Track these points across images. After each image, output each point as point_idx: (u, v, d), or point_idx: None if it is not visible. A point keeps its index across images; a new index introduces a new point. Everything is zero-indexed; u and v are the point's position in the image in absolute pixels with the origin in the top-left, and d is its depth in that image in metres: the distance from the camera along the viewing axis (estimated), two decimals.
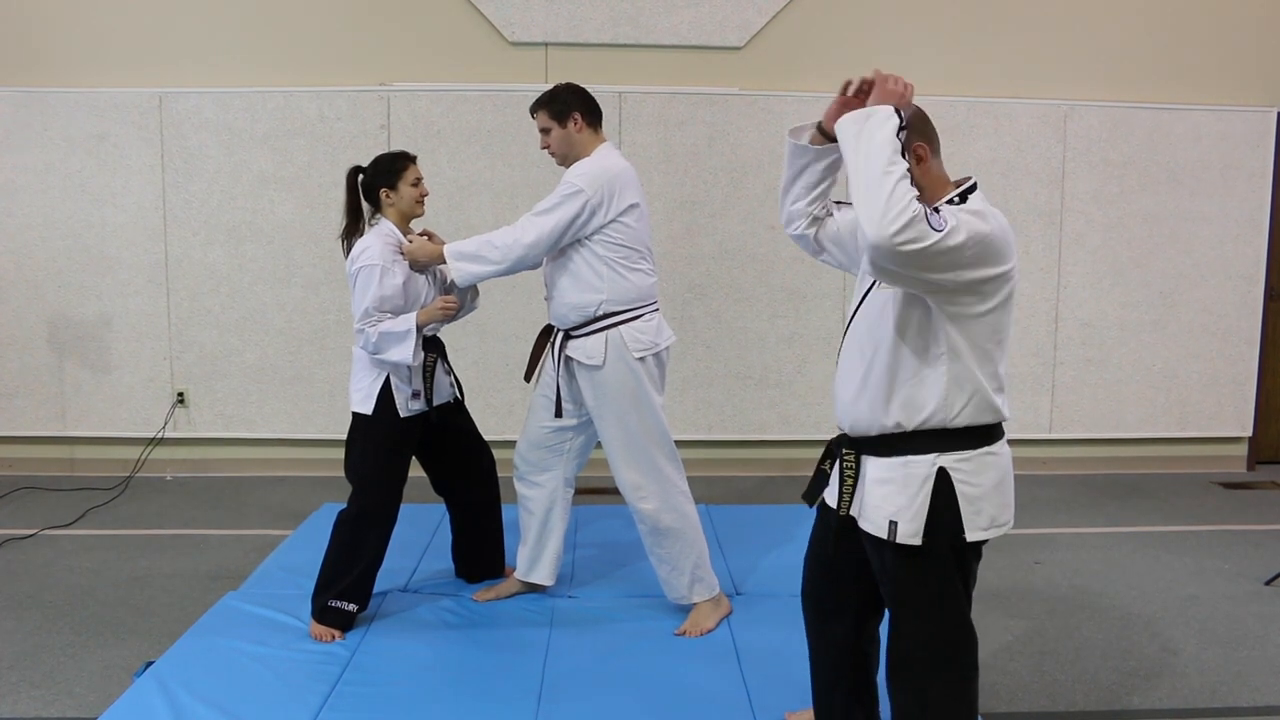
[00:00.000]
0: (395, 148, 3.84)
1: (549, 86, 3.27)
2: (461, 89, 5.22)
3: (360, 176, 3.31)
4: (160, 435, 5.34)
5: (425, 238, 3.27)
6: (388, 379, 3.22)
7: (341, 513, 3.27)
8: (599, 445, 3.37)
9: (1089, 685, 3.11)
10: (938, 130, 2.10)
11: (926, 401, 2.03)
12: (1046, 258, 5.45)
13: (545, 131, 3.23)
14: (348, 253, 3.27)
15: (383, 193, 3.27)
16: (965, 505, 2.04)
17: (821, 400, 5.43)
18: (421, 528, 4.05)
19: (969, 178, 2.09)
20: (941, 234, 1.84)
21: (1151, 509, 4.98)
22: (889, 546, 2.07)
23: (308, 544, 3.84)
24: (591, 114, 3.22)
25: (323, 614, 3.20)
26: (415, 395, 3.28)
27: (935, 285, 1.93)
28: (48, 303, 5.28)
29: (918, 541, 2.04)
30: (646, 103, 5.25)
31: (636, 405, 3.20)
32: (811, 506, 2.32)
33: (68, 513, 4.72)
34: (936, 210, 1.90)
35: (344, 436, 3.34)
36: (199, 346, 5.32)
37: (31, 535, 4.40)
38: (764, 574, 3.74)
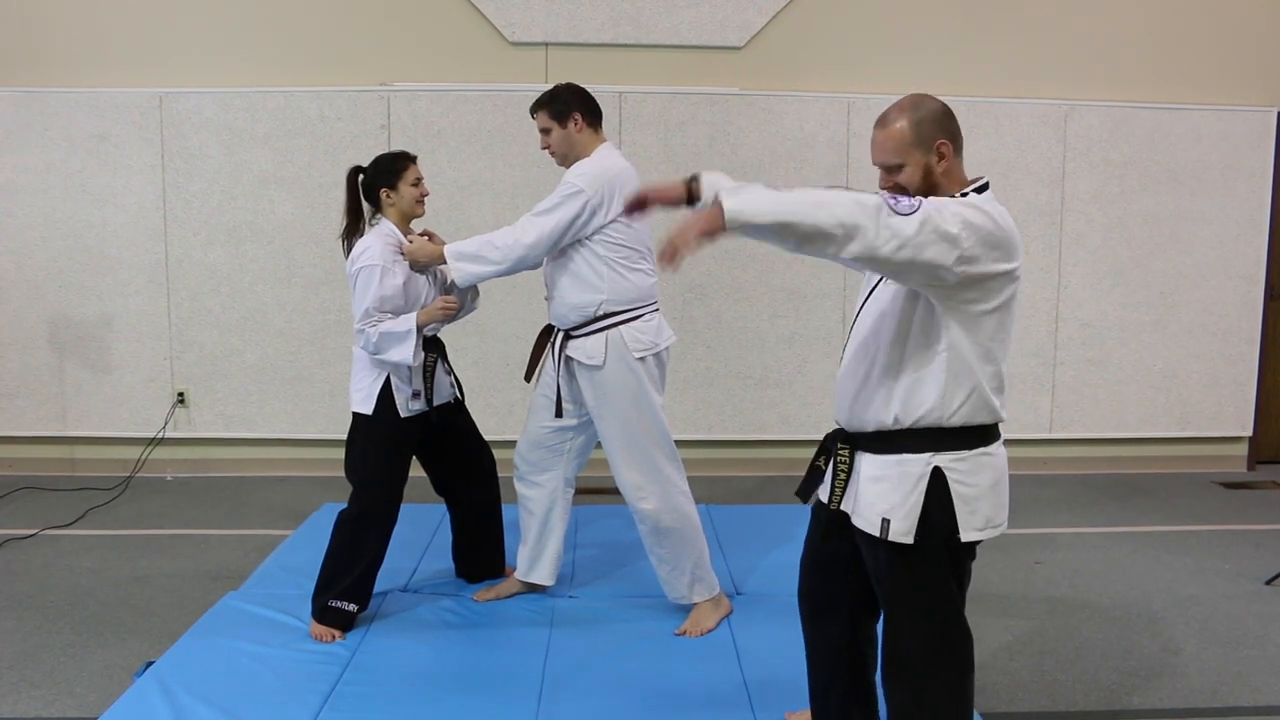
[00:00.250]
0: (395, 148, 3.83)
1: (549, 86, 3.27)
2: (462, 89, 5.22)
3: (360, 176, 3.31)
4: (160, 435, 5.34)
5: (425, 238, 3.27)
6: (388, 379, 3.22)
7: (342, 513, 3.27)
8: (599, 445, 3.37)
9: (1089, 685, 3.11)
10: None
11: (925, 398, 2.03)
12: (1046, 258, 5.45)
13: (545, 132, 3.23)
14: (348, 253, 3.26)
15: (383, 193, 3.27)
16: (961, 505, 2.04)
17: (821, 400, 5.43)
18: (421, 528, 4.05)
19: (981, 177, 2.09)
20: (910, 215, 1.85)
21: (1152, 509, 4.98)
22: (882, 545, 2.08)
23: (308, 544, 3.84)
24: (592, 114, 3.22)
25: (323, 614, 3.20)
26: (415, 395, 3.28)
27: (936, 276, 1.92)
28: (48, 303, 5.28)
29: (910, 540, 2.04)
30: (647, 103, 5.25)
31: (637, 405, 3.20)
32: (805, 503, 2.32)
33: (68, 513, 4.72)
34: (896, 198, 1.90)
35: (344, 436, 3.34)
36: (199, 346, 5.32)
37: (32, 535, 4.41)
38: (764, 574, 3.74)
